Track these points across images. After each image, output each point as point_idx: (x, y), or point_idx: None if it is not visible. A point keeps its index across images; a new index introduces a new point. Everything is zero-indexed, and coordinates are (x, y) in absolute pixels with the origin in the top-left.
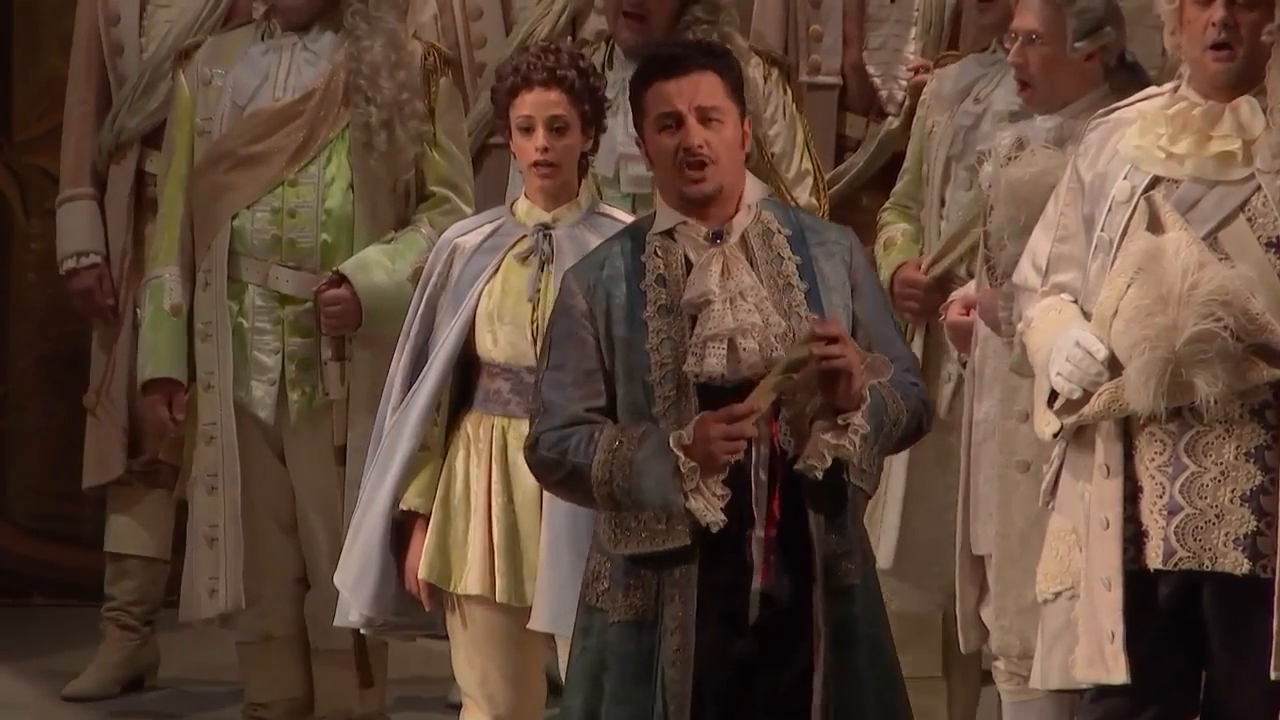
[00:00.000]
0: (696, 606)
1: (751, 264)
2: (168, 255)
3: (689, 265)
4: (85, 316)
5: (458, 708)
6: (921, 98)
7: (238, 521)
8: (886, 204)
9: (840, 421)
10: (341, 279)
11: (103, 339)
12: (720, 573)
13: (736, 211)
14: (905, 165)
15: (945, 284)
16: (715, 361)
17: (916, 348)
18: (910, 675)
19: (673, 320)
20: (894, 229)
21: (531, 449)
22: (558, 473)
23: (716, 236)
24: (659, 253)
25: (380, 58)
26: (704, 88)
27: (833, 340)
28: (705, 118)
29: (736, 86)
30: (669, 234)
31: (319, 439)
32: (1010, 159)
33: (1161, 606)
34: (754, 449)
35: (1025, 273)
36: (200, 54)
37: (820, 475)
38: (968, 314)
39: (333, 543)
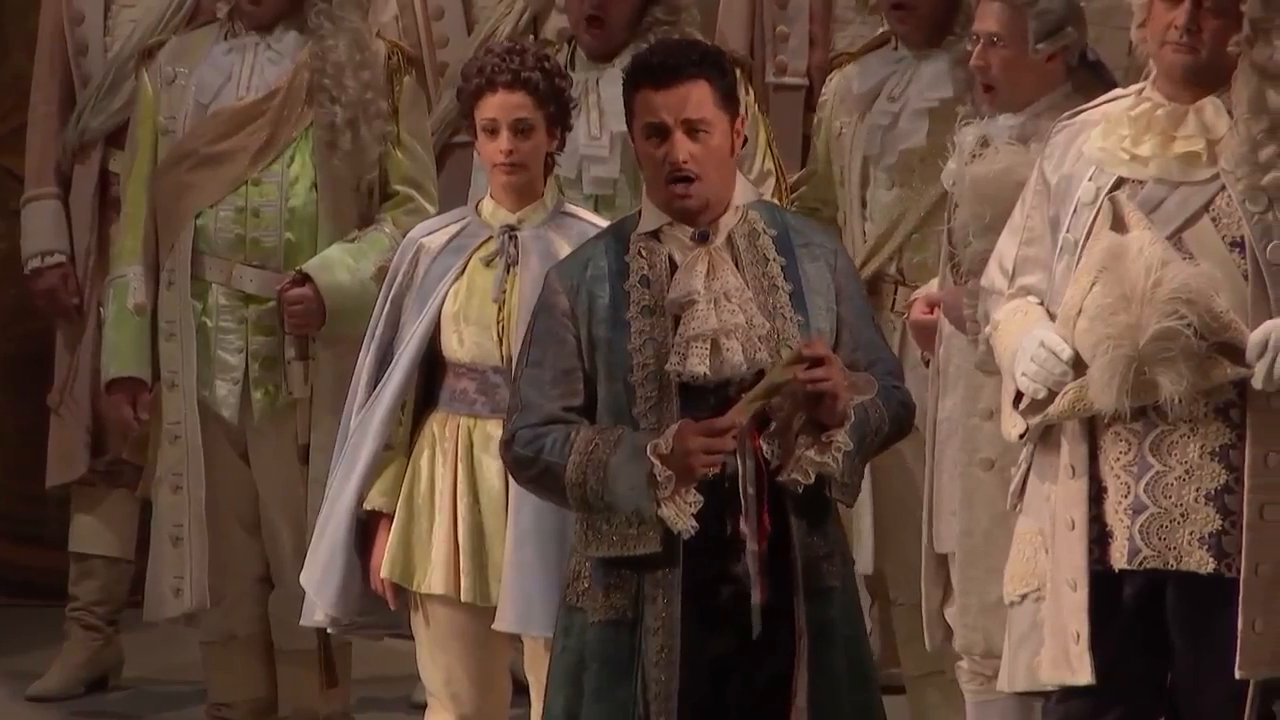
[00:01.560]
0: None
1: (737, 265)
2: (131, 254)
3: (673, 266)
4: (49, 316)
5: (421, 707)
6: (823, 98)
7: (202, 521)
8: (794, 206)
9: (824, 439)
10: (305, 278)
11: (67, 338)
12: (700, 573)
13: (724, 212)
14: (810, 167)
15: (875, 284)
16: (698, 361)
17: None
18: (916, 673)
19: (656, 321)
20: None
21: (507, 445)
22: (531, 470)
23: (702, 237)
24: (643, 253)
25: (345, 57)
26: (693, 99)
27: (818, 362)
28: (692, 129)
29: (728, 93)
30: (654, 235)
31: (283, 438)
32: (974, 156)
33: (1126, 606)
34: (739, 463)
35: (992, 276)
36: (164, 53)
37: (802, 489)
38: (931, 312)
39: (296, 542)
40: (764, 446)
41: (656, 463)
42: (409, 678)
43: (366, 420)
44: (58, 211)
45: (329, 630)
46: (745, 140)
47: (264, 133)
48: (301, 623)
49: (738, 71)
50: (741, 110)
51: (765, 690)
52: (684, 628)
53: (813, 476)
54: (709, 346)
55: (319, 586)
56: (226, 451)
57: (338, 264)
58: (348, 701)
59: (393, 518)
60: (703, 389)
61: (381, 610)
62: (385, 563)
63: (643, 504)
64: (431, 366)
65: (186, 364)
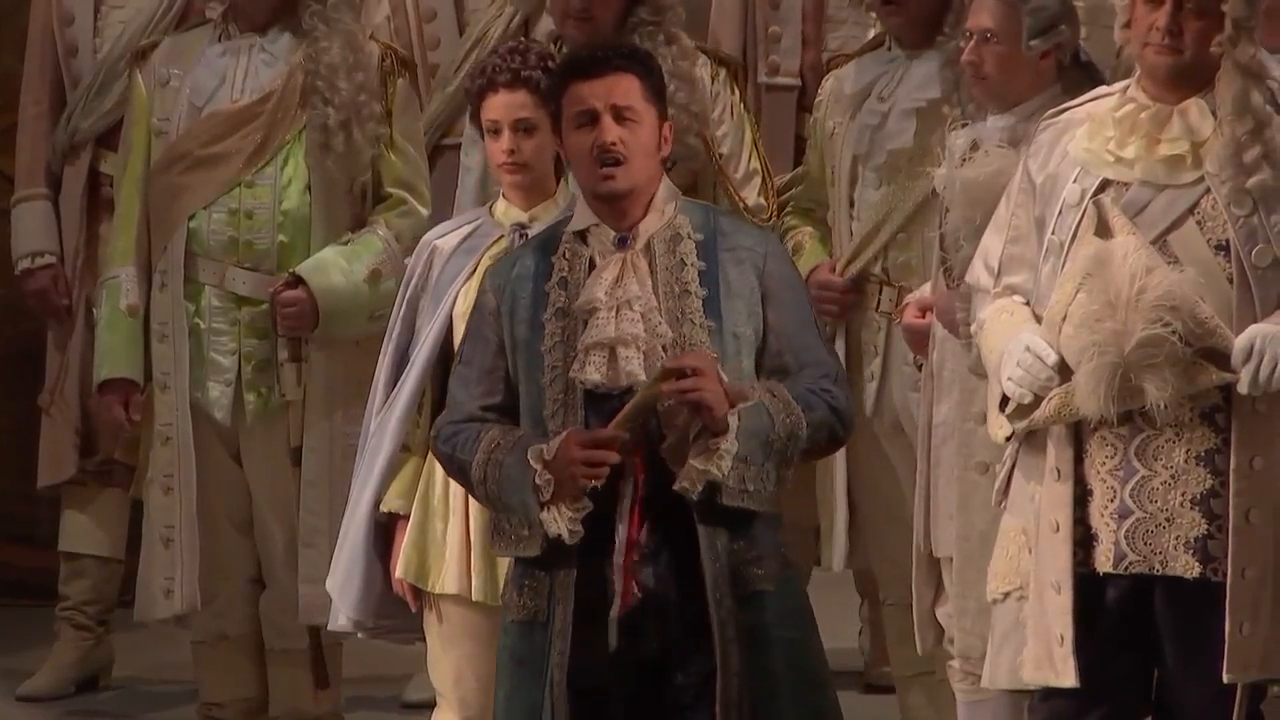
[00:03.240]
0: (591, 609)
1: (652, 270)
2: (124, 255)
3: (594, 268)
4: (40, 316)
5: (412, 707)
6: (818, 99)
7: (194, 522)
8: (787, 208)
9: (710, 446)
10: (298, 280)
11: (57, 339)
12: (603, 577)
13: (645, 215)
14: (804, 169)
15: (860, 283)
16: (594, 370)
17: (838, 349)
18: (906, 674)
19: (568, 324)
20: (800, 232)
21: (433, 440)
22: (450, 466)
23: (621, 242)
24: (567, 255)
25: (339, 59)
26: (620, 88)
27: (689, 373)
28: (620, 116)
29: (656, 91)
30: (582, 236)
31: (275, 440)
32: (965, 160)
33: (1110, 609)
34: (621, 476)
35: (978, 273)
36: (157, 54)
37: (696, 497)
38: (924, 316)
39: (288, 543)
40: (664, 456)
41: (539, 469)
42: (400, 677)
43: (384, 423)
44: (48, 212)
45: (359, 635)
46: (670, 143)
47: (258, 135)
48: (330, 628)
49: (724, 71)
50: (697, 108)
51: (700, 691)
52: (585, 630)
53: (700, 484)
54: (607, 355)
55: (341, 590)
56: (219, 452)
57: (331, 266)
58: (339, 702)
59: (410, 519)
60: (607, 395)
61: (403, 613)
62: (401, 564)
63: (529, 507)
64: (448, 367)
65: (179, 365)
